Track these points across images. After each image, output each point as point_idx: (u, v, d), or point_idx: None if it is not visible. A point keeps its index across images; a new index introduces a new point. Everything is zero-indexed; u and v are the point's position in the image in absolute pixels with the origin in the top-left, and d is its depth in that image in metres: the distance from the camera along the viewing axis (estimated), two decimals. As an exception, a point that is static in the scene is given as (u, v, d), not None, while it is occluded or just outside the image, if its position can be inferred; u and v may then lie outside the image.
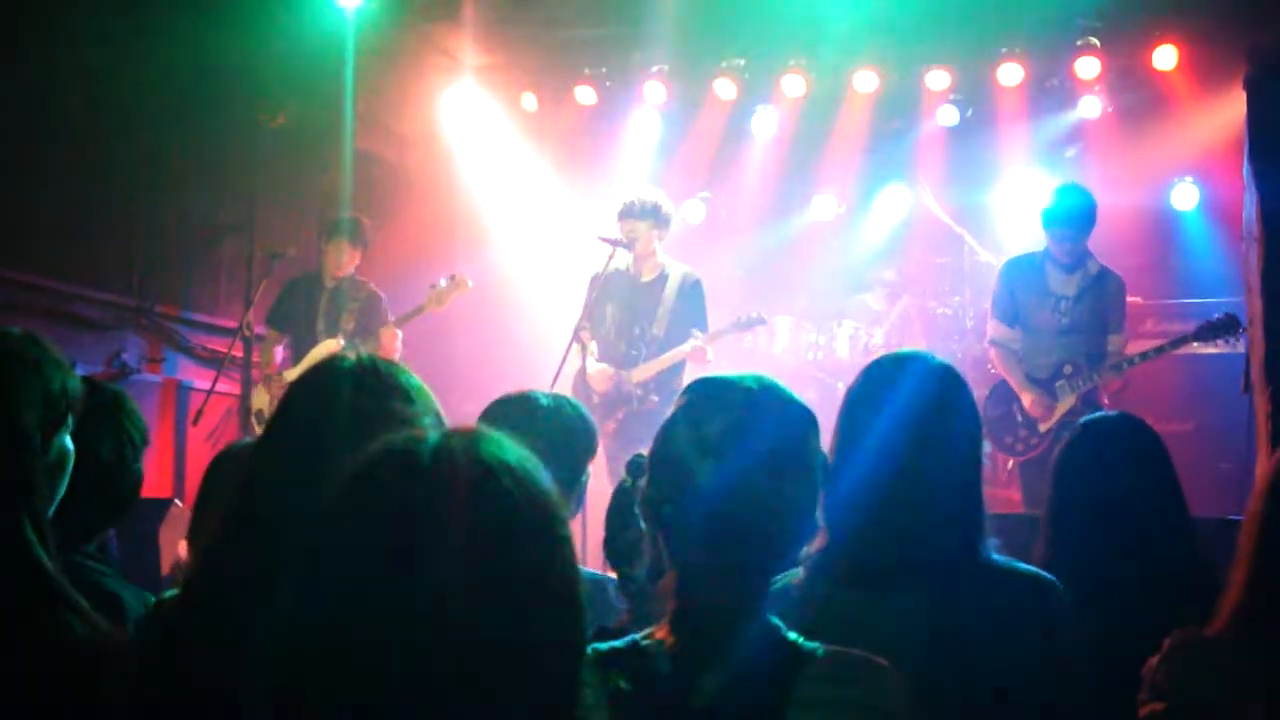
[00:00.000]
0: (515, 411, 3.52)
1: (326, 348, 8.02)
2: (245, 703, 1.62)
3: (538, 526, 1.52)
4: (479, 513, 1.48)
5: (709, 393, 2.19)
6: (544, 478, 1.56)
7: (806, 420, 2.20)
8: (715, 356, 8.10)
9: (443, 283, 8.22)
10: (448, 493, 1.48)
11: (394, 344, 8.06)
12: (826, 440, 2.70)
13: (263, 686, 1.50)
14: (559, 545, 1.54)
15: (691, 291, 7.68)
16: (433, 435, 1.55)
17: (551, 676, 1.51)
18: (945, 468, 2.63)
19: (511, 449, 1.56)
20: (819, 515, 2.48)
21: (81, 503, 2.61)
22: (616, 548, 2.88)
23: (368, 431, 1.65)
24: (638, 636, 2.13)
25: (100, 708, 2.10)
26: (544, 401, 3.60)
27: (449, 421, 2.20)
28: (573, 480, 3.50)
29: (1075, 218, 7.15)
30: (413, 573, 1.44)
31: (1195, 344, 8.06)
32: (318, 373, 2.35)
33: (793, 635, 2.10)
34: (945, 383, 2.72)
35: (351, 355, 2.38)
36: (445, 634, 1.42)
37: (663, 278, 7.70)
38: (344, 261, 8.32)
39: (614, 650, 2.11)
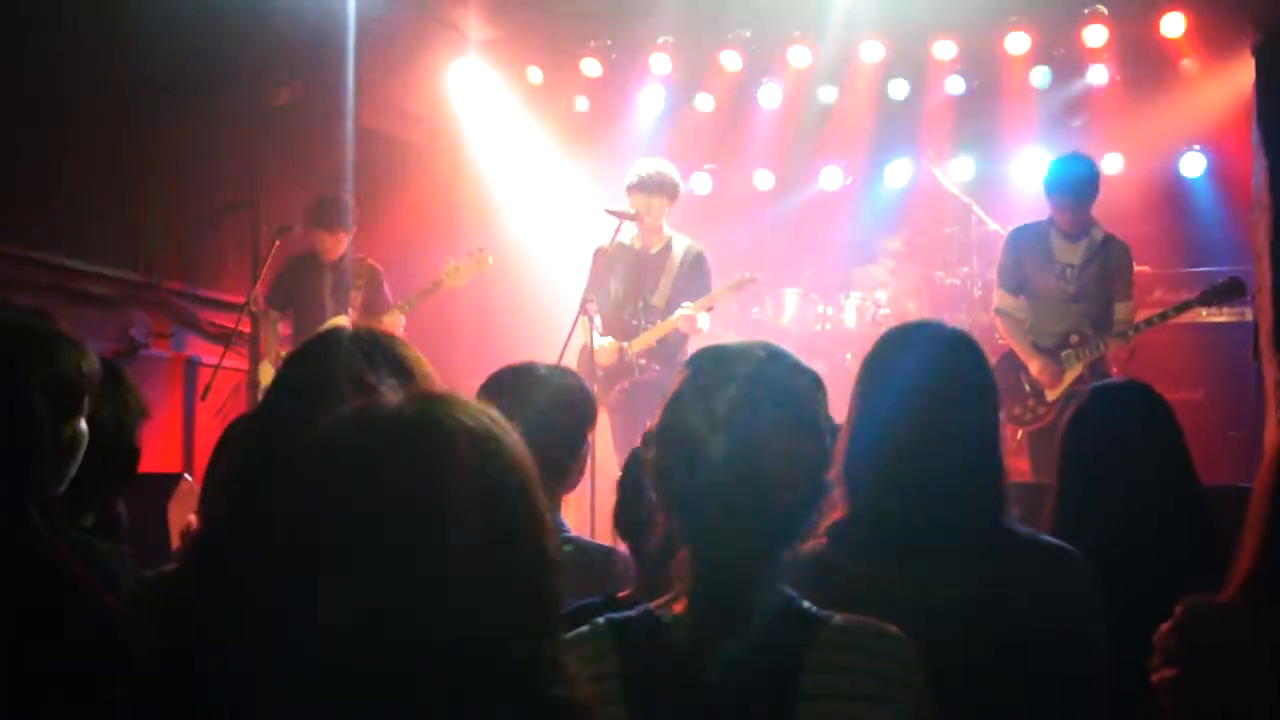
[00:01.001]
0: (514, 381, 3.52)
1: (338, 323, 8.04)
2: (239, 674, 1.63)
3: (495, 489, 1.51)
4: (433, 476, 1.47)
5: (715, 363, 2.18)
6: (507, 441, 1.55)
7: (814, 385, 2.20)
8: (724, 329, 8.09)
9: (463, 258, 8.26)
10: (401, 457, 1.48)
11: (397, 328, 8.07)
12: (834, 410, 2.70)
13: (252, 660, 1.50)
14: (521, 507, 1.53)
15: (695, 263, 7.68)
16: (392, 400, 1.55)
17: (523, 634, 1.50)
18: (964, 435, 2.64)
19: (473, 412, 1.55)
20: (837, 484, 2.48)
21: (79, 476, 2.61)
22: (628, 519, 2.87)
23: (347, 401, 1.65)
24: (650, 607, 2.14)
25: (100, 680, 2.10)
26: (542, 371, 3.61)
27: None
28: (573, 450, 3.50)
29: (1077, 186, 7.12)
30: (366, 539, 1.44)
31: (1205, 312, 8.04)
32: (315, 344, 2.35)
33: (806, 604, 2.10)
34: (962, 350, 2.73)
35: (350, 327, 2.39)
36: (401, 599, 1.42)
37: (667, 249, 7.70)
38: (332, 247, 8.37)
39: (627, 620, 2.11)
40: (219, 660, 1.91)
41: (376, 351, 2.28)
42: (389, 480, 1.47)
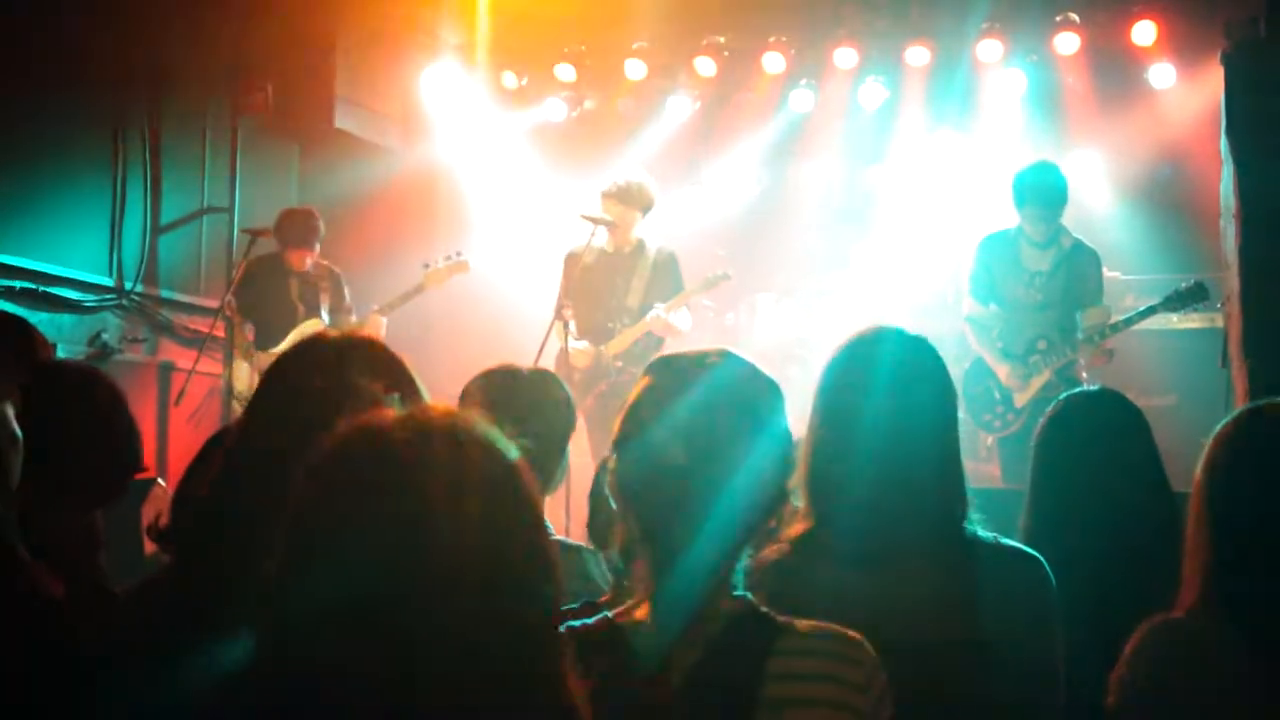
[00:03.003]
0: (499, 384, 3.52)
1: (313, 325, 8.10)
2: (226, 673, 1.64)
3: (504, 495, 1.54)
4: (447, 484, 1.50)
5: (672, 370, 2.19)
6: (510, 449, 1.58)
7: (770, 391, 2.20)
8: (699, 335, 8.10)
9: (441, 262, 8.29)
10: (416, 467, 1.50)
11: (379, 331, 8.12)
12: (806, 416, 2.70)
13: (247, 659, 1.52)
14: (526, 513, 1.56)
15: (667, 264, 7.72)
16: (400, 411, 1.57)
17: (530, 641, 1.52)
18: (925, 440, 2.63)
19: (477, 423, 1.58)
20: (800, 491, 2.49)
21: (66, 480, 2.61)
22: (599, 526, 2.88)
23: (351, 407, 1.66)
24: (610, 615, 2.14)
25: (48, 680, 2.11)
26: (525, 374, 3.62)
27: (430, 398, 2.21)
28: (558, 451, 3.50)
29: (1045, 195, 7.11)
30: (381, 546, 1.46)
31: (1176, 319, 8.07)
32: (303, 348, 2.35)
33: (765, 610, 2.11)
34: (922, 354, 2.73)
35: (336, 332, 2.39)
36: (418, 602, 1.44)
37: (638, 251, 7.73)
38: (297, 262, 8.42)
39: (587, 629, 2.11)
40: (206, 662, 1.92)
41: (364, 357, 2.29)
42: (403, 492, 1.49)
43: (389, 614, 1.44)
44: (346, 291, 8.55)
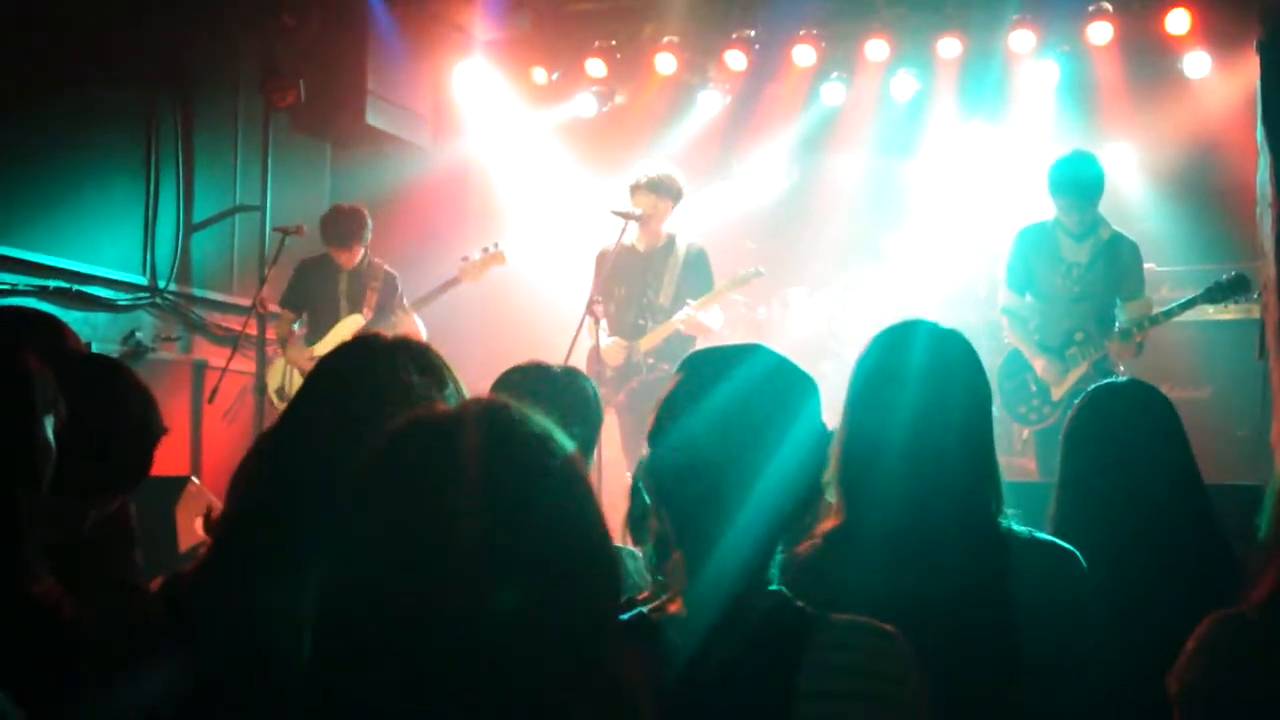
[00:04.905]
0: (528, 380, 3.54)
1: (354, 323, 8.17)
2: (253, 669, 1.64)
3: (563, 487, 1.57)
4: (507, 477, 1.52)
5: (708, 365, 2.19)
6: (564, 441, 1.60)
7: (804, 385, 2.20)
8: (730, 330, 8.08)
9: (477, 254, 8.30)
10: (475, 459, 1.52)
11: (413, 328, 8.16)
12: (839, 410, 2.69)
13: (284, 654, 1.52)
14: (585, 504, 1.59)
15: (697, 260, 7.70)
16: (457, 405, 1.59)
17: (586, 635, 1.53)
18: (959, 434, 2.62)
19: (530, 416, 1.60)
20: (833, 486, 2.48)
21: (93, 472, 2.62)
22: (639, 522, 2.88)
23: (396, 408, 1.68)
24: (645, 609, 2.14)
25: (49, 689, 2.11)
26: (555, 371, 3.63)
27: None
28: (588, 448, 3.51)
29: (1081, 185, 7.03)
30: (445, 538, 1.48)
31: (1211, 310, 7.99)
32: (353, 347, 2.36)
33: (800, 604, 2.10)
34: (955, 348, 2.71)
35: (387, 334, 2.40)
36: (478, 595, 1.45)
37: (668, 247, 7.72)
38: (345, 261, 8.46)
39: (623, 623, 2.11)
40: (232, 658, 1.92)
41: (412, 359, 2.30)
42: (463, 485, 1.51)
43: (453, 603, 1.46)
44: (401, 292, 8.57)
